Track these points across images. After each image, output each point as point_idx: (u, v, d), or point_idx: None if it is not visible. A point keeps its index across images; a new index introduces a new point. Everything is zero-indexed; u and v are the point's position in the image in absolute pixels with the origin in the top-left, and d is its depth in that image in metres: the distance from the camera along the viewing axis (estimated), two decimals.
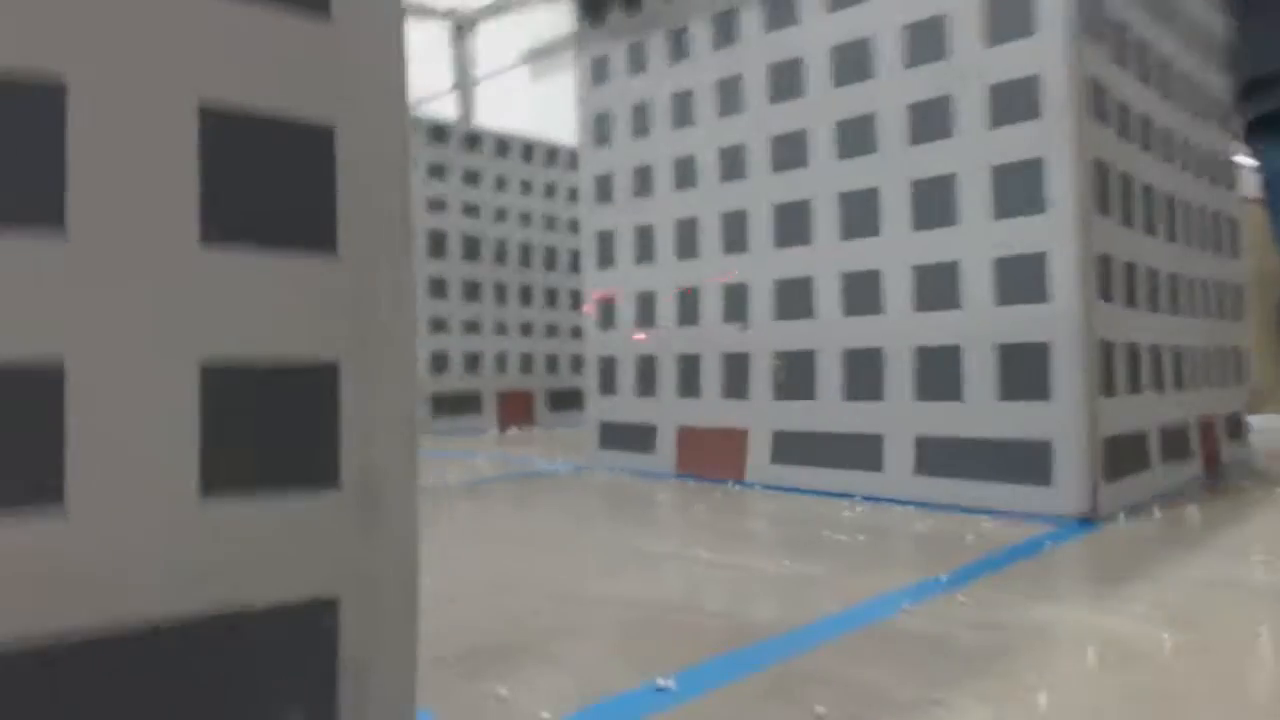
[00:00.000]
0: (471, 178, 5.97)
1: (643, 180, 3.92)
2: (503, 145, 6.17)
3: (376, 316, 0.92)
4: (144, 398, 0.76)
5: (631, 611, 1.52)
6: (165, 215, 0.78)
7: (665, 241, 3.83)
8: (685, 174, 3.78)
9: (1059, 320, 3.18)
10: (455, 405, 5.79)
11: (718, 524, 2.34)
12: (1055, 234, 3.25)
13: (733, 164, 3.68)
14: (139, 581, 0.75)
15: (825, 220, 3.48)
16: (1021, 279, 3.31)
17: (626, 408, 3.87)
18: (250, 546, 0.82)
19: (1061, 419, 3.18)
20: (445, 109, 8.50)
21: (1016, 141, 3.27)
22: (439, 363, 5.77)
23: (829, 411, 3.27)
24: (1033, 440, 3.28)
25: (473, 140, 5.96)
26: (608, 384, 4.01)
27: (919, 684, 1.29)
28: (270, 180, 0.84)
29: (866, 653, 1.40)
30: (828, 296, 3.40)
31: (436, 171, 5.77)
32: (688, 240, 3.75)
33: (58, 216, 0.75)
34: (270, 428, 0.85)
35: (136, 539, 0.75)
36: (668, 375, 3.73)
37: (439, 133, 5.79)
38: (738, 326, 3.56)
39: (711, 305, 3.64)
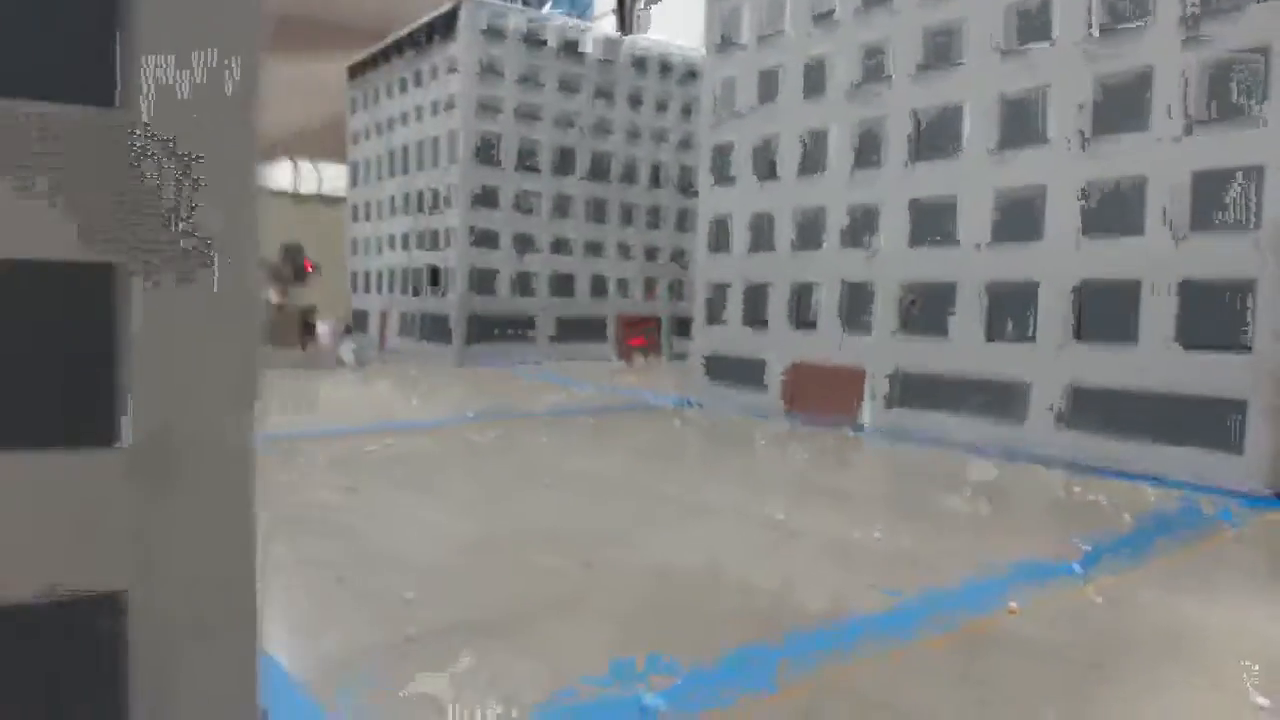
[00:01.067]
0: (604, 94, 5.68)
1: (768, 87, 3.52)
2: (639, 62, 5.83)
3: (184, 199, 0.66)
4: None
5: (660, 583, 1.25)
6: None
7: (788, 156, 3.44)
8: (816, 79, 3.34)
9: (1271, 252, 2.60)
10: (577, 330, 5.66)
11: (811, 476, 2.03)
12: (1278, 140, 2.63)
13: (872, 65, 3.21)
14: None
15: (978, 129, 2.98)
16: (1226, 199, 2.74)
17: (735, 339, 3.57)
18: None
19: (1262, 374, 2.63)
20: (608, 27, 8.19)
21: (1236, 25, 2.66)
22: (562, 285, 5.62)
23: (965, 352, 2.85)
24: (1221, 398, 2.74)
25: (606, 55, 5.66)
26: (716, 313, 3.72)
27: None
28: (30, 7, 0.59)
29: (941, 666, 1.08)
30: (974, 219, 2.93)
31: (568, 86, 5.51)
32: (814, 154, 3.34)
33: None
34: (17, 357, 0.61)
35: None
36: (780, 305, 3.39)
37: (572, 47, 5.51)
38: (864, 252, 3.16)
39: (833, 228, 3.24)
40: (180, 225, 0.62)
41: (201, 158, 0.63)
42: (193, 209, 0.63)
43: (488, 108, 5.41)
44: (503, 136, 5.47)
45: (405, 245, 5.87)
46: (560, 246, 5.87)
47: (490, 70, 5.37)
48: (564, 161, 5.87)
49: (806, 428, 2.97)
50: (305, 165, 8.75)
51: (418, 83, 5.80)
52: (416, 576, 1.30)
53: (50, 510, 0.60)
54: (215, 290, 0.64)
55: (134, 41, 0.62)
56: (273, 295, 4.48)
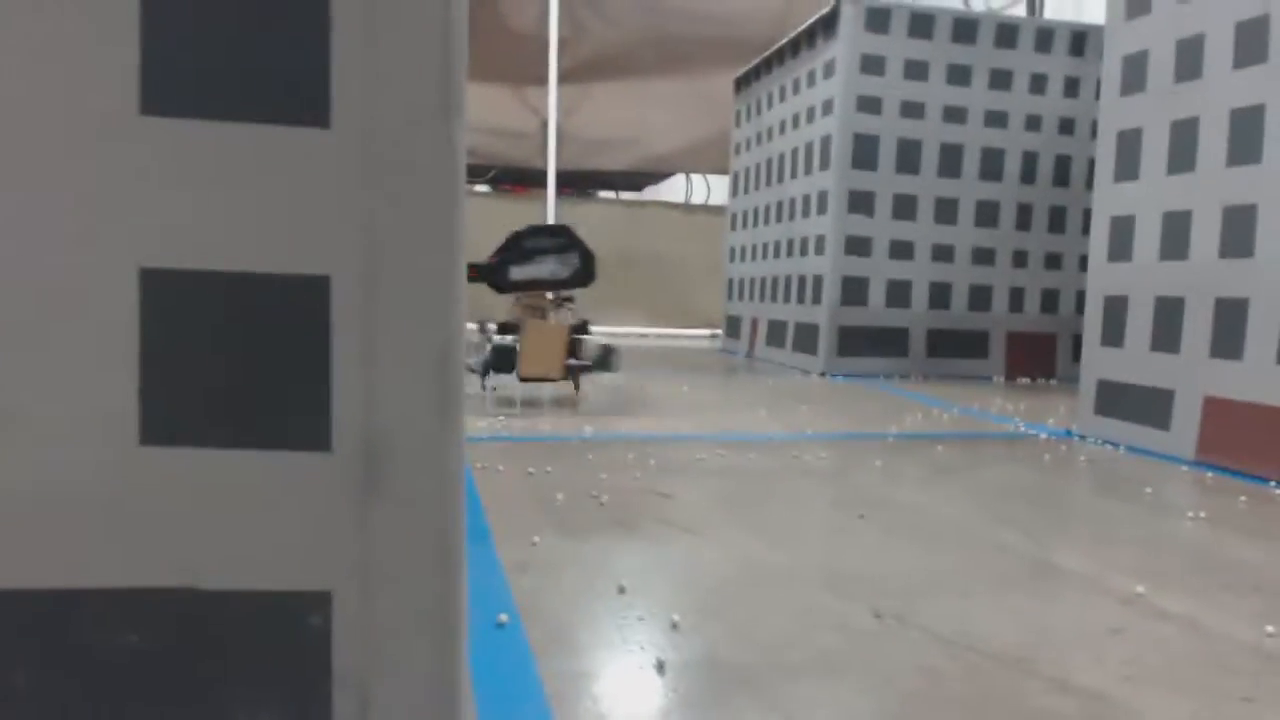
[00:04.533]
0: (1001, 79, 5.18)
1: (1189, 56, 2.89)
2: (1044, 36, 5.22)
3: (392, 216, 0.67)
4: (71, 310, 0.62)
5: (956, 658, 1.01)
6: (96, 75, 0.62)
7: (1213, 141, 2.80)
8: (1252, 42, 2.67)
9: None
10: (955, 346, 5.21)
11: (1205, 545, 1.59)
12: None
13: None
14: (62, 536, 0.62)
15: None
16: None
17: (1135, 364, 2.99)
18: (207, 514, 0.65)
19: None
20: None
21: None
22: (939, 296, 5.23)
23: None
24: None
25: (1005, 33, 5.16)
26: (1113, 332, 3.14)
27: None
28: (238, 25, 0.63)
29: None
30: None
31: (960, 75, 5.13)
32: (1247, 138, 2.67)
33: None
34: (236, 363, 0.66)
35: (60, 487, 0.62)
36: (1199, 325, 2.77)
37: (966, 29, 5.10)
38: None
39: (1274, 229, 2.58)
40: (382, 237, 0.63)
41: (401, 173, 0.63)
42: (393, 221, 0.63)
43: (867, 107, 5.17)
44: (881, 137, 5.19)
45: (776, 253, 5.86)
46: (941, 254, 5.39)
47: (871, 68, 5.14)
48: (948, 160, 5.44)
49: (1220, 478, 2.38)
50: (697, 179, 9.23)
51: (795, 90, 5.74)
52: (692, 599, 1.24)
53: (261, 505, 0.64)
54: (415, 302, 0.64)
55: (342, 67, 0.63)
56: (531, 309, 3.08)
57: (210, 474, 0.62)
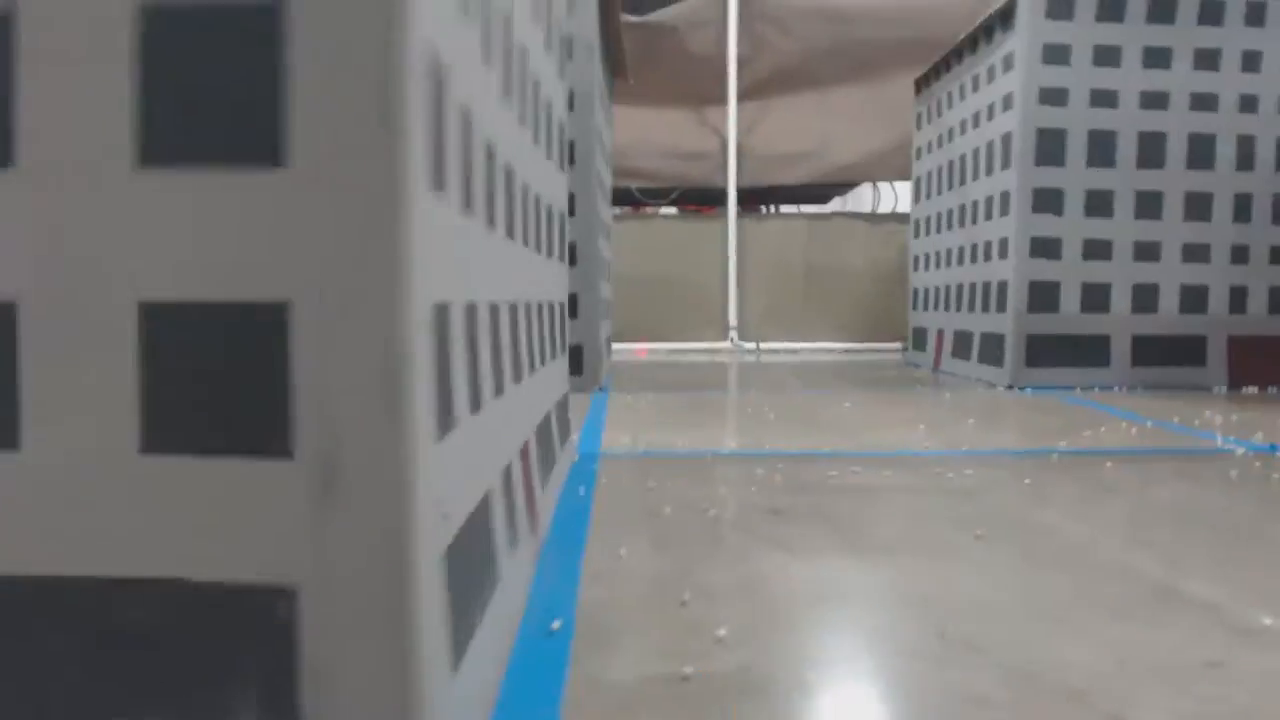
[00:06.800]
0: (1207, 59, 4.67)
1: None
2: (1256, 9, 4.66)
3: (342, 244, 0.73)
4: (89, 340, 0.73)
5: (1034, 694, 0.90)
6: (103, 134, 0.72)
7: None
8: None
9: None
10: (1166, 353, 4.69)
11: None
12: None
13: None
14: (80, 535, 0.72)
15: None
16: None
17: None
18: (193, 514, 0.73)
19: None
20: None
21: None
22: (1144, 299, 4.74)
23: None
24: None
25: (1210, 8, 4.67)
26: None
27: None
28: (207, 80, 0.71)
29: None
30: None
31: (1159, 57, 4.68)
32: None
33: (5, 146, 0.75)
34: (212, 382, 0.74)
35: (81, 493, 0.72)
36: None
37: (1163, 7, 4.65)
38: None
39: None
40: (335, 261, 0.69)
41: (348, 202, 0.69)
42: (344, 246, 0.69)
43: (1051, 99, 4.75)
44: (1069, 130, 4.74)
45: (960, 260, 5.51)
46: (1145, 252, 4.83)
47: (1055, 57, 4.73)
48: (1149, 149, 4.89)
49: None
50: (884, 187, 8.95)
51: (975, 87, 5.39)
52: (752, 614, 1.21)
53: (236, 508, 0.72)
54: (365, 320, 0.69)
55: (295, 111, 0.70)
56: None
57: (197, 479, 0.71)
